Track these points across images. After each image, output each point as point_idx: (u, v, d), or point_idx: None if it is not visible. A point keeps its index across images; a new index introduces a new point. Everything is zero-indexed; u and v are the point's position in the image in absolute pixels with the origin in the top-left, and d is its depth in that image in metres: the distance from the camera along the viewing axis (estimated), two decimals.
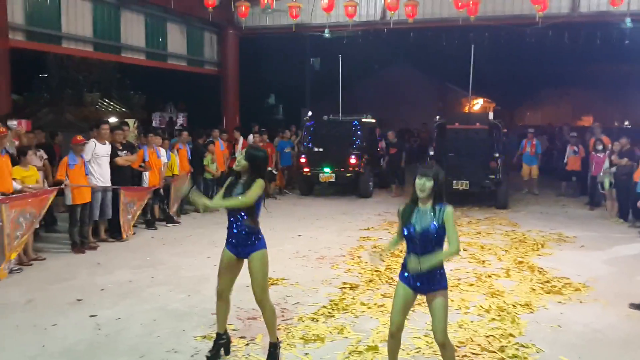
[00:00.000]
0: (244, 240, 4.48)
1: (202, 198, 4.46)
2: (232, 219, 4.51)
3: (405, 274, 4.03)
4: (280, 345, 4.75)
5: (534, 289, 6.64)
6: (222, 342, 4.71)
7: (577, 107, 36.05)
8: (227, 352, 4.76)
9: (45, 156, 9.49)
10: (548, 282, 6.94)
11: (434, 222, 3.88)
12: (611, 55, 23.79)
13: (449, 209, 3.92)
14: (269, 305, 4.57)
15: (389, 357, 4.26)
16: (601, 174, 11.79)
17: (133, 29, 14.05)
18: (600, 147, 11.93)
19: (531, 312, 5.88)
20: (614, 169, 11.23)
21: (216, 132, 13.24)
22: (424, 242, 3.90)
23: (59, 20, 11.76)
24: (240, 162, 4.52)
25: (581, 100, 36.01)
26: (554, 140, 19.12)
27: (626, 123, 20.19)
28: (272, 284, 6.63)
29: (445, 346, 4.03)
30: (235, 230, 4.49)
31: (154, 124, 17.70)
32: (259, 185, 4.39)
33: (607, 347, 5.06)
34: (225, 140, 13.48)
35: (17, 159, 7.85)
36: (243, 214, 4.46)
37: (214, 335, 5.13)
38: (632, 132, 13.89)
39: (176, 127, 17.29)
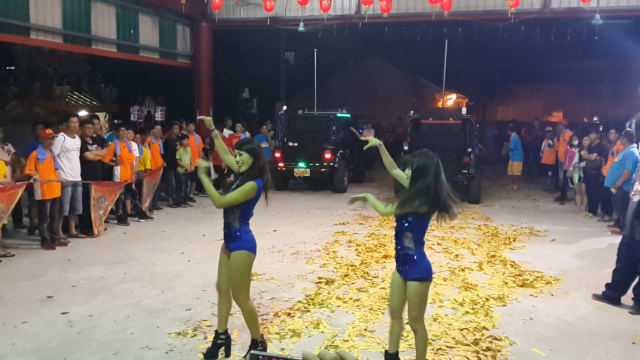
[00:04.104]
0: (230, 235, 4.45)
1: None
2: (225, 212, 4.47)
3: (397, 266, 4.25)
4: (262, 343, 4.63)
5: (506, 282, 6.74)
6: (220, 342, 4.59)
7: (548, 103, 36.72)
8: (228, 354, 4.62)
9: (13, 150, 9.26)
10: (520, 275, 7.05)
11: None
12: (581, 52, 24.28)
13: None
14: (244, 306, 4.47)
15: (390, 338, 4.39)
16: (571, 168, 12.00)
17: (104, 21, 13.78)
18: (575, 142, 12.08)
19: (504, 305, 5.97)
20: (583, 164, 11.43)
21: (191, 126, 13.09)
22: (400, 229, 4.14)
23: (27, 10, 11.43)
24: (244, 160, 4.34)
25: (552, 96, 36.67)
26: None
27: (595, 119, 20.63)
28: None
29: (416, 332, 4.21)
30: (225, 227, 4.47)
31: (132, 118, 17.41)
32: (244, 189, 4.27)
33: (578, 338, 5.16)
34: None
35: None
36: (231, 208, 4.40)
37: (189, 331, 5.12)
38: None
39: (155, 121, 17.05)
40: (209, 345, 4.68)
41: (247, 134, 14.96)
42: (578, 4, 14.28)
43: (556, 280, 6.91)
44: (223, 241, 4.56)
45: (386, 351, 4.40)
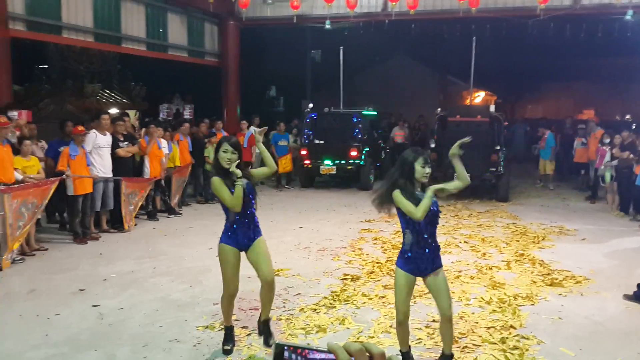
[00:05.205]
0: (254, 229, 4.59)
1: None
2: (247, 211, 4.50)
3: (408, 255, 4.18)
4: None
5: (534, 281, 6.65)
6: (233, 334, 4.80)
7: (578, 101, 35.96)
8: (233, 344, 4.81)
9: (46, 147, 9.46)
10: (549, 274, 6.95)
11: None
12: (613, 49, 23.70)
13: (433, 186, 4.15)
14: (274, 279, 4.75)
15: (401, 340, 4.40)
16: (602, 167, 11.78)
17: (133, 20, 14.01)
18: (607, 140, 11.83)
19: (532, 304, 5.90)
20: (615, 162, 11.22)
21: (219, 123, 13.18)
22: (432, 220, 4.16)
23: (59, 10, 11.71)
24: (232, 159, 4.38)
25: (582, 94, 35.90)
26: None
27: (627, 117, 20.17)
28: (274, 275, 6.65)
29: (451, 320, 4.25)
30: (248, 221, 4.53)
31: (161, 116, 17.66)
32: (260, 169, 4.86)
33: (608, 338, 5.08)
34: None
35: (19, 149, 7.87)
36: (254, 202, 4.56)
37: (216, 325, 5.18)
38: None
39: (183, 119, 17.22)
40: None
41: (253, 129, 14.68)
42: (609, 0, 13.99)
43: (586, 279, 6.80)
44: (231, 246, 4.52)
45: (400, 350, 4.43)
